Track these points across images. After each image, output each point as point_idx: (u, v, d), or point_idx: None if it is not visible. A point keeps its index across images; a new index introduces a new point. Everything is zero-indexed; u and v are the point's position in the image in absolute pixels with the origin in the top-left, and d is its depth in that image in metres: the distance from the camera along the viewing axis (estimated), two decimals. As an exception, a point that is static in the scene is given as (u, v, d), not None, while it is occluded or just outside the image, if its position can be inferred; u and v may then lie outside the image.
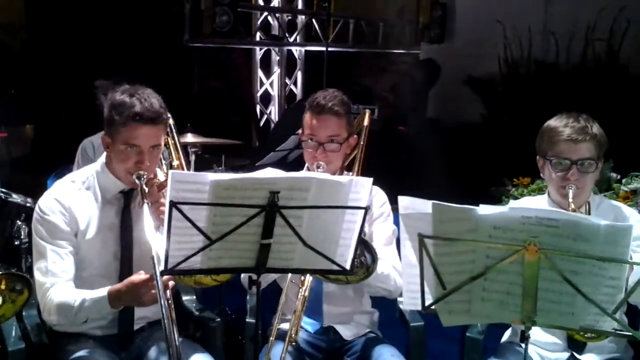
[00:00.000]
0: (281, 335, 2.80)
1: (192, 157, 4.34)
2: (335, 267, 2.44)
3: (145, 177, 2.62)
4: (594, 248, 2.04)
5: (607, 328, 2.13)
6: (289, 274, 2.85)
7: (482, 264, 2.12)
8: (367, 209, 2.38)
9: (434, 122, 8.14)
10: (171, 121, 2.92)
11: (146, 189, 2.60)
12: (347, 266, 2.44)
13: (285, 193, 2.27)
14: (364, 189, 2.37)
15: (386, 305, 3.16)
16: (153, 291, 2.42)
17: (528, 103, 6.52)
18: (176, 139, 2.98)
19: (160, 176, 2.74)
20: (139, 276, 2.48)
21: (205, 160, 4.93)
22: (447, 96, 8.25)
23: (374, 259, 2.70)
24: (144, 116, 2.60)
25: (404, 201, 2.23)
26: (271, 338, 2.76)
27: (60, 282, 2.61)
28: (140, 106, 2.60)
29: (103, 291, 2.56)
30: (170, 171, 2.28)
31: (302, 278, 2.84)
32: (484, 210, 2.09)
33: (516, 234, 2.07)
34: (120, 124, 2.62)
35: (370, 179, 2.40)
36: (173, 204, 2.20)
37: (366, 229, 2.92)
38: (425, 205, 2.16)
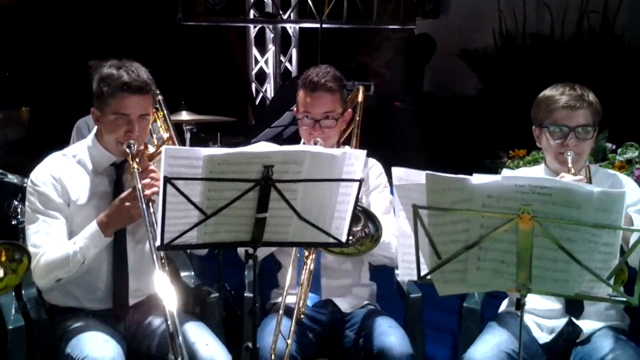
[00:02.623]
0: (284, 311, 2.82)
1: (187, 135, 4.34)
2: (331, 240, 2.45)
3: (134, 146, 2.65)
4: (587, 215, 2.04)
5: (602, 294, 2.14)
6: (294, 249, 2.86)
7: (476, 233, 2.13)
8: (361, 182, 2.39)
9: (429, 97, 8.11)
10: (160, 97, 2.97)
11: (137, 159, 2.63)
12: (343, 239, 2.45)
13: (280, 167, 2.28)
14: (357, 161, 2.38)
15: (384, 278, 3.18)
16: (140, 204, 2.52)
17: (523, 76, 6.50)
18: (166, 112, 3.01)
19: (150, 149, 2.79)
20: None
21: (200, 138, 4.92)
22: (442, 70, 8.21)
23: (378, 227, 2.72)
24: (132, 85, 2.65)
25: (397, 172, 2.24)
26: (280, 312, 2.77)
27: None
28: (127, 76, 2.65)
29: (92, 224, 2.64)
30: (164, 147, 2.29)
31: (306, 253, 2.85)
32: (478, 179, 2.10)
33: (510, 203, 2.08)
34: (109, 94, 2.66)
35: (364, 151, 2.41)
36: (167, 180, 2.21)
37: (363, 200, 2.94)
38: (419, 176, 2.17)
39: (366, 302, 3.06)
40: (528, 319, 2.81)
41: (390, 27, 9.56)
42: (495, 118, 6.43)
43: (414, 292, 3.05)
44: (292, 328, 2.73)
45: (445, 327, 3.62)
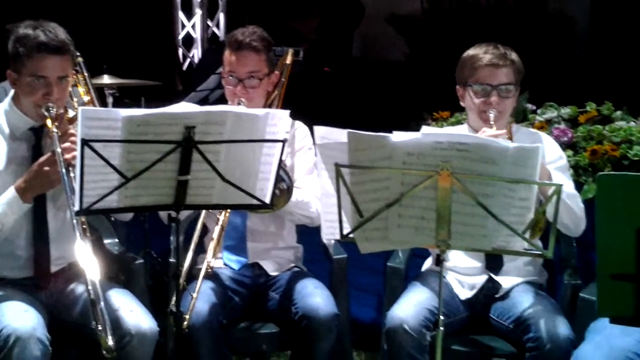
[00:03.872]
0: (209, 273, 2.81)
1: (110, 100, 4.23)
2: (255, 202, 2.44)
3: (53, 109, 2.57)
4: (503, 170, 2.09)
5: (518, 248, 2.20)
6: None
7: (397, 191, 2.15)
8: (284, 142, 2.38)
9: (358, 62, 8.13)
10: (80, 59, 2.90)
11: (56, 122, 2.55)
12: (267, 200, 2.44)
13: (201, 128, 2.25)
14: (280, 122, 2.37)
15: (311, 240, 3.19)
16: (59, 169, 2.45)
17: (450, 40, 6.58)
18: (86, 75, 2.93)
19: (71, 113, 2.71)
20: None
21: (124, 103, 4.80)
22: (371, 35, 8.25)
23: (291, 180, 2.74)
24: (50, 46, 2.56)
25: (320, 131, 2.24)
26: (185, 266, 2.76)
27: None
28: (44, 36, 2.57)
29: (10, 190, 2.56)
30: (80, 108, 2.24)
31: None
32: (398, 137, 2.12)
33: (429, 160, 2.11)
34: (25, 55, 2.57)
35: (287, 111, 2.41)
36: (85, 142, 2.16)
37: (288, 161, 2.95)
38: (341, 135, 2.18)
39: (292, 264, 3.07)
40: (450, 276, 2.88)
41: (320, -9, 9.49)
42: (422, 82, 6.50)
43: (339, 253, 3.08)
44: (200, 282, 2.72)
45: (371, 288, 3.67)
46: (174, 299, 2.56)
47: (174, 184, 2.31)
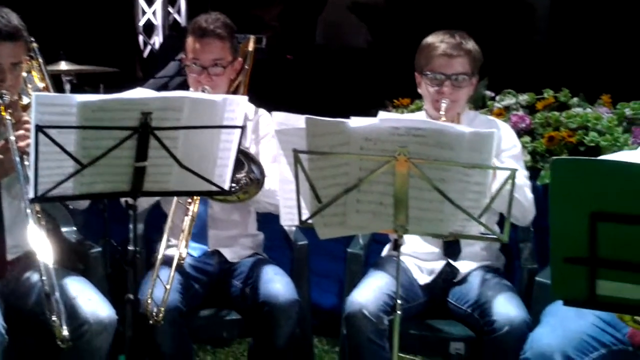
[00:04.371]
0: (168, 261, 2.79)
1: (67, 87, 4.17)
2: (213, 188, 2.43)
3: (6, 95, 2.52)
4: (459, 155, 2.10)
5: (474, 232, 2.22)
6: (175, 197, 2.82)
7: (355, 176, 2.16)
8: (243, 128, 2.37)
9: (321, 49, 8.14)
10: (35, 44, 2.86)
11: (10, 109, 2.51)
12: (226, 186, 2.43)
13: (158, 113, 2.23)
14: (238, 107, 2.35)
15: (272, 228, 3.19)
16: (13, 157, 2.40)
17: (412, 27, 6.61)
18: (41, 61, 2.88)
19: (25, 100, 2.66)
20: None
21: (83, 91, 4.74)
22: (333, 23, 8.26)
23: (262, 171, 2.72)
24: (2, 32, 2.52)
25: (278, 117, 2.24)
26: (159, 256, 2.76)
27: None
28: None
29: None
30: (34, 93, 2.19)
31: (189, 200, 2.82)
32: (355, 122, 2.12)
33: (386, 145, 2.12)
34: None
35: (245, 97, 2.39)
36: (39, 128, 2.12)
37: (253, 148, 2.94)
38: (298, 120, 2.17)
39: (253, 251, 3.07)
40: (409, 262, 2.90)
41: (282, -22, 9.45)
42: (384, 69, 6.52)
43: (300, 239, 3.08)
44: (172, 274, 2.70)
45: (332, 274, 3.69)
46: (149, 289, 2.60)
47: (130, 170, 2.29)
